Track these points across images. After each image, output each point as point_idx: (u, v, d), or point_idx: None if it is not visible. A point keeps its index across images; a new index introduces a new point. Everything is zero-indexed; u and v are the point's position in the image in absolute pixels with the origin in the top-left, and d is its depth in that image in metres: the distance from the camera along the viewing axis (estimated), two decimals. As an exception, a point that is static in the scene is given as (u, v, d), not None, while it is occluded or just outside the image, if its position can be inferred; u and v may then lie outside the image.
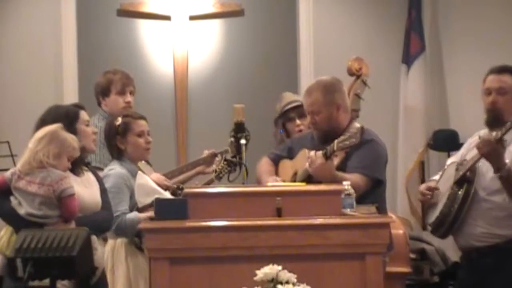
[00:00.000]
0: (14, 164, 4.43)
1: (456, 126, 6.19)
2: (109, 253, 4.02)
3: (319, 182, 3.85)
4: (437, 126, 6.31)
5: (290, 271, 3.03)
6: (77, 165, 3.72)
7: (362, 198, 3.75)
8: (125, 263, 4.00)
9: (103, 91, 4.77)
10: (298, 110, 4.80)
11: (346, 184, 3.51)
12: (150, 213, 3.62)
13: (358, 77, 5.42)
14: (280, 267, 3.03)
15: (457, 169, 3.87)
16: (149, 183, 4.02)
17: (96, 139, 3.98)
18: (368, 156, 4.00)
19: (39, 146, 3.54)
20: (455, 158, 4.10)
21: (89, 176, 3.80)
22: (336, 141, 3.80)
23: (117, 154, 4.17)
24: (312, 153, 3.89)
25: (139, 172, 4.07)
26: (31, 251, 3.15)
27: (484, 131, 3.91)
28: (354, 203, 3.49)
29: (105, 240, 3.99)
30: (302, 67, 6.39)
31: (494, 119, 3.83)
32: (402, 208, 6.17)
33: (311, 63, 6.36)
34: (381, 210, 3.78)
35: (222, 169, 4.33)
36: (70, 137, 3.60)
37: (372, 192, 3.96)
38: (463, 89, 6.19)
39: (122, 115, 4.24)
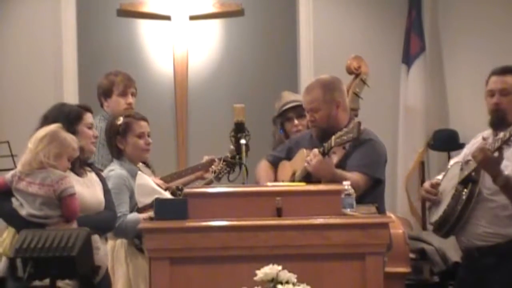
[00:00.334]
0: (14, 164, 4.44)
1: (456, 126, 6.18)
2: (109, 253, 4.01)
3: (318, 180, 3.85)
4: (437, 126, 6.30)
5: (290, 271, 3.03)
6: (79, 166, 3.72)
7: (362, 197, 3.75)
8: (125, 264, 4.00)
9: (105, 93, 4.77)
10: (296, 110, 4.79)
11: (346, 184, 3.50)
12: (150, 213, 3.62)
13: (357, 75, 5.42)
14: (280, 267, 3.03)
15: (461, 169, 3.86)
16: (149, 183, 4.02)
17: (97, 142, 3.97)
18: (368, 155, 4.00)
19: (40, 147, 3.53)
20: (458, 158, 4.09)
21: (91, 176, 3.79)
22: (333, 137, 3.80)
23: (117, 153, 4.17)
24: (311, 151, 3.89)
25: (139, 172, 4.06)
26: (31, 251, 3.14)
27: (487, 132, 3.91)
28: (354, 203, 3.48)
29: (105, 240, 3.99)
30: (302, 67, 6.39)
31: (498, 120, 3.83)
32: (401, 208, 6.17)
33: (311, 63, 6.36)
34: (380, 209, 3.77)
35: (221, 170, 4.33)
36: (70, 137, 3.59)
37: (372, 192, 3.95)
38: (463, 89, 6.19)
39: (124, 115, 4.24)
